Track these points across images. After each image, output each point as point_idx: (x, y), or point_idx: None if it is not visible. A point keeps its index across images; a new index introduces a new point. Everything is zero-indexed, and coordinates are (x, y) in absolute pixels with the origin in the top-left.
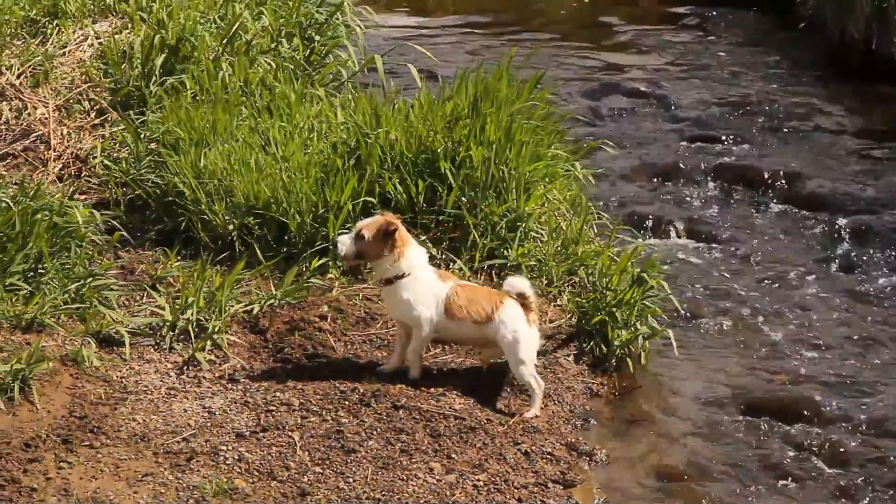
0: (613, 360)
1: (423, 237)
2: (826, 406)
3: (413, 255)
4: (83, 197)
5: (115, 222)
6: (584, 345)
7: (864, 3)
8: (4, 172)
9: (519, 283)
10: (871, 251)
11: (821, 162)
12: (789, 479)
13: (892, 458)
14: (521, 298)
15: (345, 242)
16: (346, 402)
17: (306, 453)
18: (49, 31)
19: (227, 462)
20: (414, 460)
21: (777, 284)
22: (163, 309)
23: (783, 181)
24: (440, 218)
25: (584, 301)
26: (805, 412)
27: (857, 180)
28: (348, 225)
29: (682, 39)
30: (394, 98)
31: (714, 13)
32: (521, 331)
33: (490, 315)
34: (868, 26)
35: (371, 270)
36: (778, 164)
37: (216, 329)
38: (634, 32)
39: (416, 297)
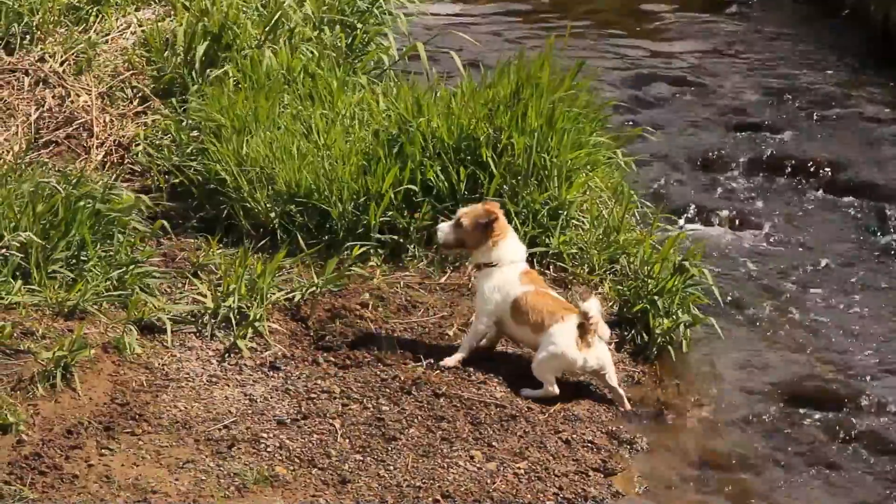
0: (655, 349)
1: None
2: (870, 395)
3: (507, 247)
4: (126, 184)
5: (157, 210)
6: (626, 333)
7: None
8: (48, 160)
9: (591, 306)
10: None
11: (864, 149)
12: (832, 468)
13: None
14: (584, 318)
15: (444, 230)
16: (387, 390)
17: (347, 441)
18: (92, 18)
19: (268, 449)
20: (454, 448)
21: (820, 272)
22: (204, 296)
23: (826, 169)
24: None
25: (625, 289)
26: (849, 401)
27: None
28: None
29: (725, 27)
30: (435, 86)
31: (757, 1)
32: (558, 345)
33: (546, 327)
34: None
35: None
36: (821, 152)
37: (257, 316)
38: (677, 20)
39: (488, 289)
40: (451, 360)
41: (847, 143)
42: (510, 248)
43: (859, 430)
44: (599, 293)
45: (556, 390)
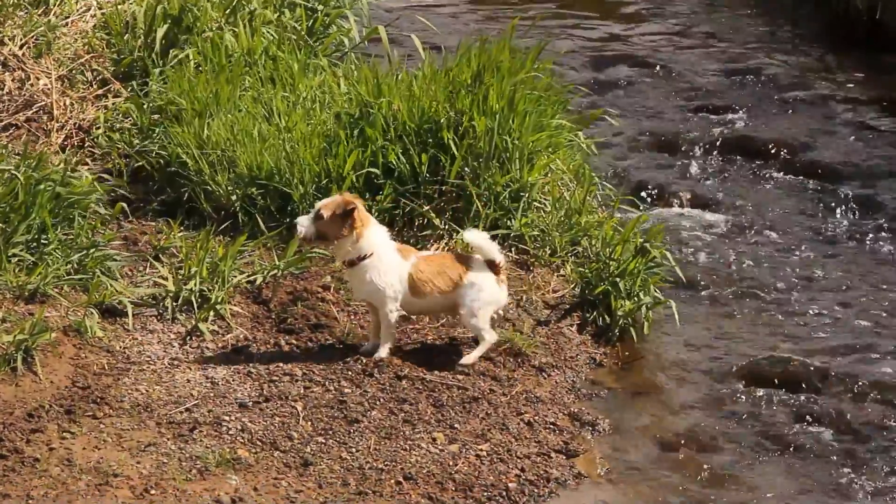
0: (617, 331)
1: (427, 207)
2: (829, 375)
3: (374, 234)
4: (86, 168)
5: (117, 193)
6: (588, 315)
7: None
8: (7, 143)
9: (477, 238)
10: (874, 220)
11: (824, 132)
12: (792, 448)
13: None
14: (489, 262)
15: (304, 223)
16: (350, 373)
17: (309, 423)
18: (52, 1)
19: (230, 432)
20: (417, 430)
21: (780, 253)
22: (166, 279)
23: (786, 151)
24: (443, 188)
25: (587, 271)
26: (808, 382)
27: (859, 150)
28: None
29: (687, 9)
30: (397, 68)
31: None
32: (486, 290)
33: (458, 282)
34: None
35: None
36: (781, 134)
37: (219, 299)
38: (639, 2)
39: (380, 276)
40: (379, 354)
41: (807, 124)
42: (378, 234)
43: (821, 410)
44: (562, 276)
45: (496, 335)
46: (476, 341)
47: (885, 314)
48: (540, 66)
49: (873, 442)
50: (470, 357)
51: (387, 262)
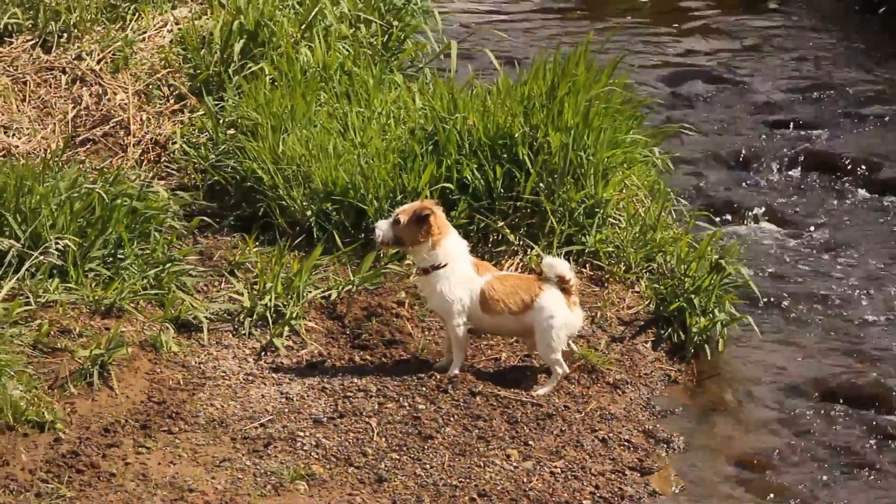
0: (691, 348)
1: (501, 223)
2: None
3: (451, 244)
4: (162, 182)
5: (193, 208)
6: (662, 332)
7: None
8: (85, 158)
9: (557, 264)
10: None
11: None
12: (869, 468)
13: None
14: (561, 282)
15: (382, 228)
16: (423, 389)
17: (383, 439)
18: (129, 16)
19: (305, 448)
20: (491, 447)
21: (857, 270)
22: (241, 295)
23: (864, 167)
24: (518, 204)
25: (662, 287)
26: (884, 399)
27: None
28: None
29: (763, 24)
30: (471, 83)
31: None
32: (558, 316)
33: (529, 304)
34: None
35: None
36: (859, 150)
37: (294, 315)
38: (714, 17)
39: (450, 288)
40: (451, 371)
41: (885, 141)
42: (454, 245)
43: None
44: (636, 292)
45: (567, 369)
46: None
47: None
48: (616, 81)
49: None
50: (543, 390)
51: (459, 274)
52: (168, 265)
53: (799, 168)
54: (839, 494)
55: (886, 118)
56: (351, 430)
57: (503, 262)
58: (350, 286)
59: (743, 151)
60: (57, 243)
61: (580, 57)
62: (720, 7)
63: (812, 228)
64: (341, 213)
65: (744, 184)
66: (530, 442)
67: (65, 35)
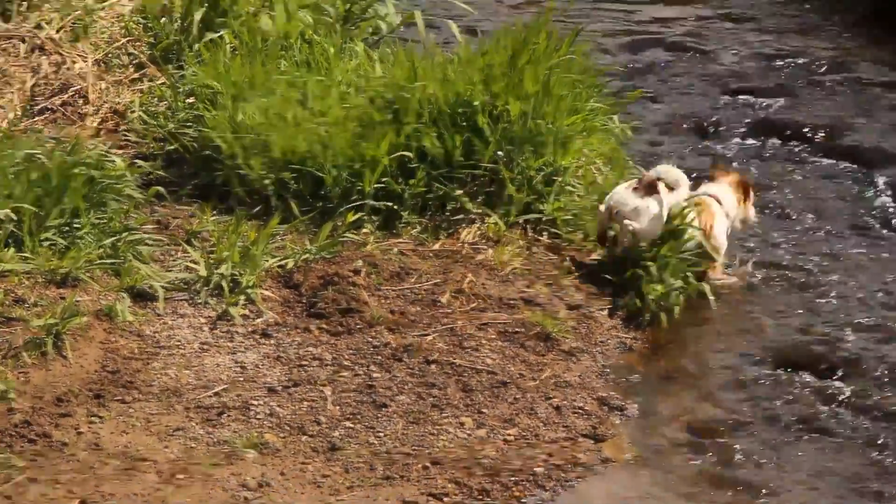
0: (648, 315)
1: (459, 192)
2: (861, 360)
3: None
4: (120, 151)
5: (151, 176)
6: (619, 299)
7: None
8: (42, 127)
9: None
10: None
11: (862, 115)
12: (822, 433)
13: None
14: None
15: None
16: (379, 357)
17: (337, 408)
18: None
19: (258, 417)
20: (445, 415)
21: (814, 237)
22: (197, 264)
23: (823, 134)
24: (476, 172)
25: (619, 254)
26: (840, 366)
27: None
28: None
29: None
30: (432, 52)
31: None
32: None
33: None
34: None
35: None
36: (818, 117)
37: (250, 284)
38: None
39: None
40: None
41: (845, 108)
42: None
43: (851, 394)
44: (594, 259)
45: None
46: None
47: None
48: (576, 50)
49: None
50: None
51: None
52: (125, 234)
53: (758, 135)
54: (793, 460)
55: (846, 86)
56: (305, 398)
57: (460, 230)
58: (307, 255)
59: (702, 120)
60: (13, 213)
61: (541, 25)
62: None
63: (771, 195)
64: (299, 182)
65: (703, 151)
66: (484, 410)
67: (24, 4)
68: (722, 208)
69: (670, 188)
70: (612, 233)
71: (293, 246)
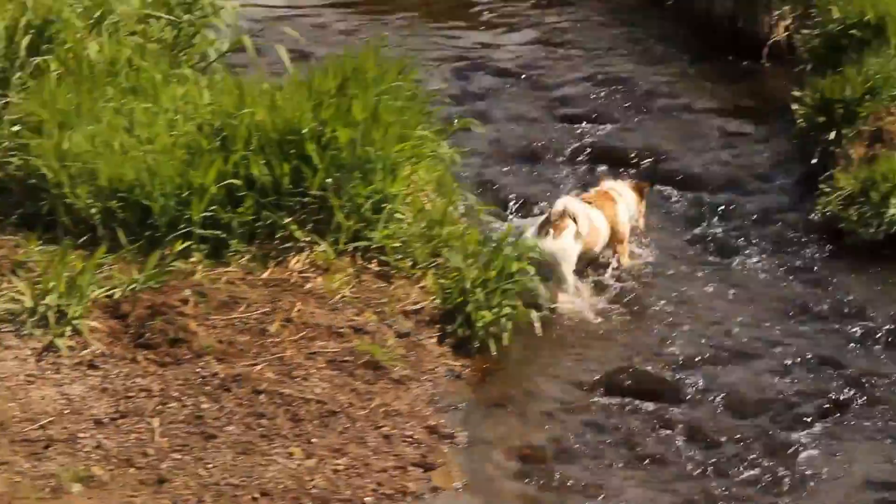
0: (477, 342)
1: (288, 219)
2: (687, 385)
3: None
4: None
5: None
6: (448, 327)
7: None
8: None
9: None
10: (736, 228)
11: (687, 139)
12: (649, 458)
13: (749, 437)
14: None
15: None
16: (207, 387)
17: (165, 439)
18: None
19: (85, 449)
20: (274, 445)
21: (642, 262)
22: (23, 294)
23: (649, 159)
24: (305, 200)
25: (448, 282)
26: (666, 391)
27: (722, 157)
28: (213, 207)
29: (551, 18)
30: (260, 79)
31: None
32: None
33: None
34: (734, 4)
35: None
36: (644, 142)
37: (77, 315)
38: (504, 11)
39: None
40: None
41: (670, 133)
42: None
43: (676, 419)
44: (423, 287)
45: None
46: None
47: (743, 324)
48: (405, 77)
49: (725, 449)
50: None
51: None
52: None
53: (586, 160)
54: (619, 484)
55: (672, 110)
56: (133, 430)
57: (289, 258)
58: (134, 284)
59: (532, 145)
60: None
61: (370, 52)
62: (510, 1)
63: None
64: (127, 211)
65: (532, 177)
66: (314, 439)
67: None
68: (623, 201)
69: (573, 219)
70: None
71: (121, 276)
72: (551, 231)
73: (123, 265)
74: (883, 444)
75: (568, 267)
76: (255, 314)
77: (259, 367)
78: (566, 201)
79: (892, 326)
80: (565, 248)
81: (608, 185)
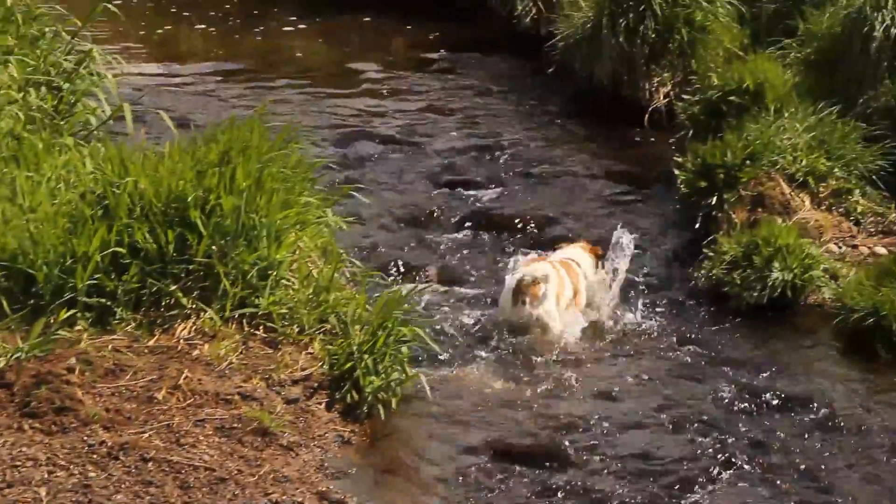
0: (365, 407)
1: (174, 287)
2: (575, 449)
3: None
4: None
5: None
6: (336, 393)
7: (611, 49)
8: None
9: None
10: (622, 292)
11: (569, 205)
12: None
13: (637, 501)
14: None
15: None
16: (94, 456)
17: None
18: None
19: None
20: None
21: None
22: None
23: (532, 225)
24: (190, 267)
25: (335, 348)
26: (556, 456)
27: (604, 223)
28: (97, 275)
29: (434, 85)
30: (143, 147)
31: (465, 58)
32: None
33: None
34: (615, 71)
35: None
36: (528, 208)
37: None
38: (386, 78)
39: None
40: None
41: (553, 199)
42: None
43: (566, 483)
44: (310, 353)
45: None
46: None
47: (626, 389)
48: (289, 144)
49: None
50: None
51: None
52: None
53: (469, 227)
54: None
55: (555, 176)
56: (19, 500)
57: (175, 325)
58: (19, 353)
59: (416, 211)
60: None
61: (254, 121)
62: (392, 69)
63: (482, 286)
64: (10, 280)
65: (416, 243)
66: None
67: None
68: (581, 269)
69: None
70: None
71: (5, 345)
72: (527, 299)
73: (7, 334)
74: None
75: (556, 325)
76: (142, 382)
77: (147, 435)
78: (535, 267)
79: (780, 390)
80: (549, 310)
81: (567, 252)
